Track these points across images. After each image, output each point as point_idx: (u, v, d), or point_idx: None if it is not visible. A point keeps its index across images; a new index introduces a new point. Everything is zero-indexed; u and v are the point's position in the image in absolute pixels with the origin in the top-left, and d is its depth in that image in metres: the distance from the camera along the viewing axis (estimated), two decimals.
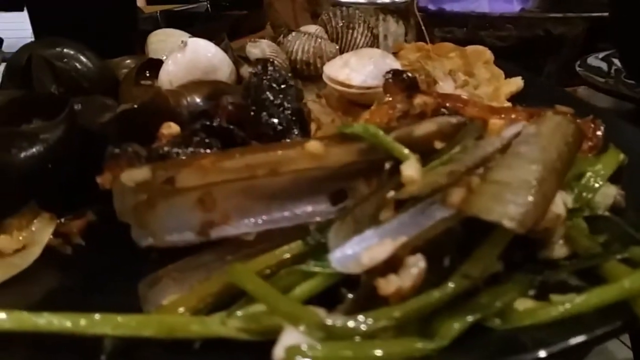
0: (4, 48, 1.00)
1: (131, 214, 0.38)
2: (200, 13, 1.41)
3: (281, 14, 1.04)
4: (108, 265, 0.47)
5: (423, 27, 0.75)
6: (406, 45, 0.80)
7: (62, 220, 0.50)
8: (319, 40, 0.72)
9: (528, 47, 0.86)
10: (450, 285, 0.33)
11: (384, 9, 0.87)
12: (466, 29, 0.86)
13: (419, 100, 0.46)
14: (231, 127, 0.48)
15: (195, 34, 0.90)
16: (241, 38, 1.11)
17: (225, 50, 0.73)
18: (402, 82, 0.55)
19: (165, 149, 0.42)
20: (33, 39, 0.98)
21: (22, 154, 0.48)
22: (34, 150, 0.49)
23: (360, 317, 0.32)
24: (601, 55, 0.85)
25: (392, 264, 0.32)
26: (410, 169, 0.36)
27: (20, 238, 0.47)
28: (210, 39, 0.75)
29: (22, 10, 1.40)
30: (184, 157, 0.42)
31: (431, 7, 0.94)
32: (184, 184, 0.38)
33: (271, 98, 0.50)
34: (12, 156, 0.48)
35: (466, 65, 0.73)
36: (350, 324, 0.32)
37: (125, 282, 0.43)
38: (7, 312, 0.35)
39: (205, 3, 1.50)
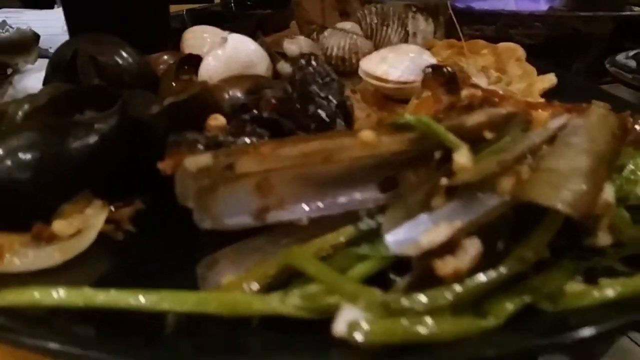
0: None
1: (193, 198, 0.39)
2: (226, 11, 1.43)
3: (310, 12, 1.05)
4: (157, 250, 0.48)
5: (457, 24, 0.76)
6: (437, 42, 0.81)
7: (113, 207, 0.52)
8: (355, 36, 0.74)
9: (556, 45, 0.87)
10: (505, 267, 0.34)
11: (414, 8, 0.89)
12: (495, 27, 0.87)
13: (466, 92, 0.47)
14: (279, 118, 0.49)
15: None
16: (267, 36, 1.13)
17: (261, 46, 0.75)
18: (441, 77, 0.56)
19: (221, 137, 0.44)
20: (65, 35, 1.00)
21: (78, 144, 0.50)
22: (89, 140, 0.51)
23: (417, 296, 0.33)
24: (631, 53, 0.86)
25: (449, 247, 0.34)
26: (463, 157, 0.38)
27: (75, 223, 0.48)
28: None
29: (51, 7, 1.43)
30: (242, 144, 0.43)
31: (460, 5, 0.95)
32: (244, 170, 0.39)
33: (317, 91, 0.52)
34: (68, 145, 0.50)
35: (498, 62, 0.74)
36: (408, 301, 0.33)
37: (174, 266, 0.45)
38: (73, 288, 0.37)
39: (229, 2, 1.52)
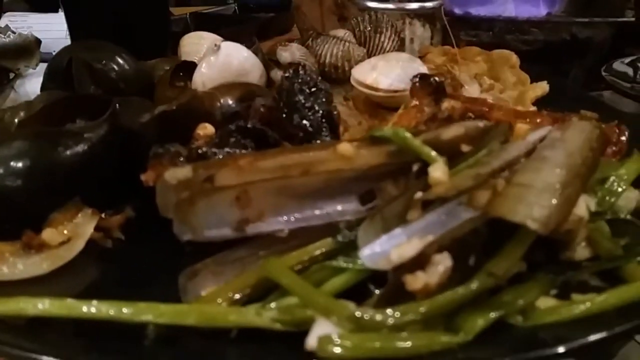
0: (41, 49, 1.04)
1: (173, 210, 0.40)
2: (229, 15, 1.44)
3: (308, 17, 1.06)
4: (146, 258, 0.49)
5: (450, 31, 0.77)
6: (432, 48, 0.82)
7: (103, 215, 0.53)
8: (347, 44, 0.74)
9: (554, 52, 0.87)
10: (475, 282, 0.35)
11: (411, 14, 0.89)
12: (492, 33, 0.87)
13: (446, 104, 0.47)
14: (264, 128, 0.50)
15: (224, 36, 0.93)
16: (269, 40, 1.14)
17: (255, 53, 0.75)
18: (429, 86, 0.56)
19: (204, 149, 0.45)
20: (67, 39, 1.02)
21: (68, 152, 0.51)
22: (78, 148, 0.52)
23: (389, 311, 0.34)
24: (627, 60, 0.85)
25: (420, 262, 0.34)
26: (438, 171, 0.38)
27: (65, 232, 0.49)
28: (239, 41, 0.77)
29: (57, 11, 1.45)
30: (222, 157, 0.44)
31: (457, 11, 0.95)
32: (223, 183, 0.40)
33: (302, 101, 0.52)
34: (58, 154, 0.51)
35: (492, 69, 0.74)
36: (379, 316, 0.34)
37: (162, 274, 0.45)
38: (56, 299, 0.38)
39: (233, 5, 1.53)
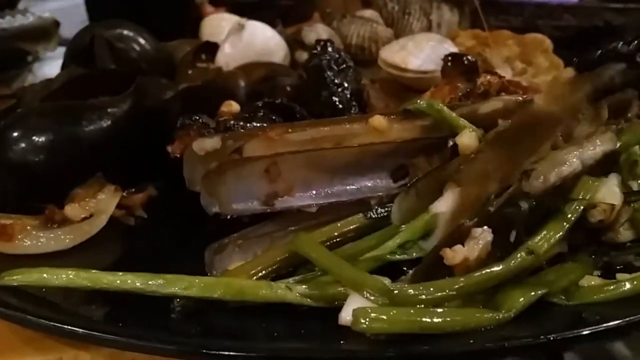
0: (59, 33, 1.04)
1: (200, 182, 0.39)
2: (250, 1, 1.43)
3: (331, 1, 1.04)
4: (169, 235, 0.48)
5: (482, 14, 0.74)
6: (461, 32, 0.79)
7: (125, 193, 0.52)
8: (374, 25, 0.72)
9: (586, 38, 0.84)
10: (514, 260, 0.33)
11: None
12: (522, 18, 0.85)
13: (482, 79, 0.46)
14: (292, 104, 0.49)
15: None
16: (289, 26, 1.13)
17: (280, 33, 0.74)
18: (461, 66, 0.54)
19: (232, 122, 0.44)
20: (86, 24, 1.01)
21: (91, 127, 0.50)
22: (102, 123, 0.51)
23: (423, 286, 0.33)
24: None
25: (460, 235, 0.33)
26: (465, 137, 0.37)
27: (88, 207, 0.48)
28: None
29: None
30: (250, 129, 0.43)
31: None
32: (252, 154, 0.39)
33: (331, 77, 0.51)
34: (81, 128, 0.50)
35: (524, 54, 0.72)
36: (413, 291, 0.32)
37: (186, 251, 0.45)
38: (81, 270, 0.37)
39: None
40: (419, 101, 0.41)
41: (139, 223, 0.50)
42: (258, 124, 0.45)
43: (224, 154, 0.39)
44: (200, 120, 0.43)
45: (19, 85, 0.90)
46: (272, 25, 0.77)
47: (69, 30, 1.04)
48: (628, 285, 0.34)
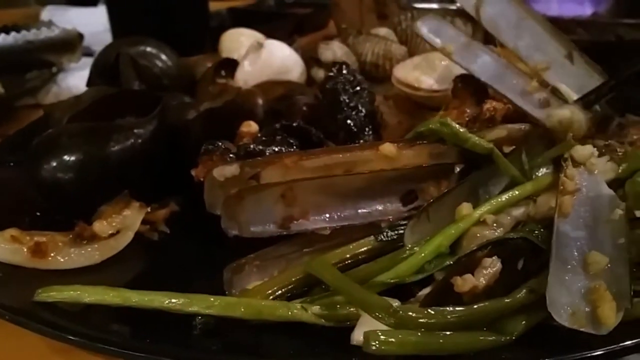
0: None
1: (221, 206, 0.41)
2: (266, 11, 1.45)
3: (347, 14, 1.06)
4: (190, 251, 0.51)
5: None
6: None
7: (149, 208, 0.54)
8: (388, 42, 0.74)
9: (598, 53, 0.85)
10: (516, 295, 0.35)
11: (452, 12, 0.88)
12: None
13: (488, 105, 0.48)
14: (309, 127, 0.51)
15: (261, 32, 0.94)
16: (305, 36, 1.15)
17: (296, 50, 0.76)
18: (471, 87, 0.56)
19: (252, 146, 0.46)
20: (107, 33, 1.04)
21: (118, 147, 0.53)
22: (129, 143, 0.54)
23: (431, 310, 0.35)
24: None
25: (471, 265, 0.35)
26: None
27: (114, 224, 0.51)
28: (276, 37, 0.78)
29: (95, 5, 1.49)
30: (268, 155, 0.45)
31: None
32: (269, 180, 0.41)
33: (346, 100, 0.53)
34: (109, 148, 0.53)
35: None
36: (422, 315, 0.35)
37: (206, 267, 0.47)
38: (112, 288, 0.40)
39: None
40: (430, 122, 0.43)
41: (162, 238, 0.53)
42: (276, 148, 0.48)
43: (243, 180, 0.41)
44: (222, 146, 0.45)
45: (44, 95, 0.94)
46: (289, 38, 0.79)
47: (91, 39, 1.08)
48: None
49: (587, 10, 0.94)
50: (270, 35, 0.94)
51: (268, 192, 0.42)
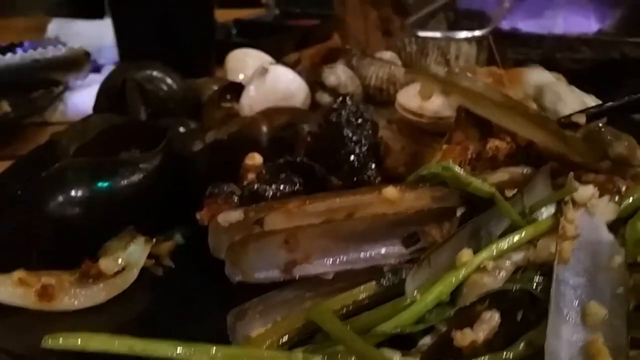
0: None
1: (225, 252, 0.42)
2: (270, 23, 1.45)
3: (352, 29, 1.06)
4: (194, 287, 0.51)
5: (496, 53, 0.76)
6: (479, 69, 0.81)
7: (154, 241, 0.55)
8: (392, 67, 0.74)
9: (603, 70, 0.85)
10: (515, 349, 0.35)
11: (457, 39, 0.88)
12: (541, 51, 0.86)
13: (491, 144, 0.48)
14: (312, 163, 0.51)
15: (266, 45, 0.94)
16: (309, 48, 1.15)
17: (300, 73, 0.76)
18: (474, 117, 0.56)
19: (256, 186, 0.46)
20: (113, 47, 1.05)
21: (124, 181, 0.54)
22: (134, 178, 0.54)
23: None
24: None
25: (470, 318, 0.35)
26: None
27: (120, 260, 0.51)
28: (280, 50, 0.78)
29: (102, 18, 1.49)
30: (271, 199, 0.45)
31: (504, 26, 0.93)
32: (272, 226, 0.42)
33: (350, 135, 0.53)
34: (115, 183, 0.53)
35: None
36: None
37: (210, 305, 0.47)
38: (117, 336, 0.40)
39: (275, 10, 1.54)
40: (432, 166, 0.43)
41: (167, 273, 0.53)
42: (281, 186, 0.48)
43: (247, 225, 0.41)
44: (227, 189, 0.46)
45: (51, 114, 0.94)
46: (295, 62, 0.80)
47: (97, 53, 1.08)
48: None
49: (593, 26, 0.94)
50: (274, 48, 0.95)
51: (272, 239, 0.42)
